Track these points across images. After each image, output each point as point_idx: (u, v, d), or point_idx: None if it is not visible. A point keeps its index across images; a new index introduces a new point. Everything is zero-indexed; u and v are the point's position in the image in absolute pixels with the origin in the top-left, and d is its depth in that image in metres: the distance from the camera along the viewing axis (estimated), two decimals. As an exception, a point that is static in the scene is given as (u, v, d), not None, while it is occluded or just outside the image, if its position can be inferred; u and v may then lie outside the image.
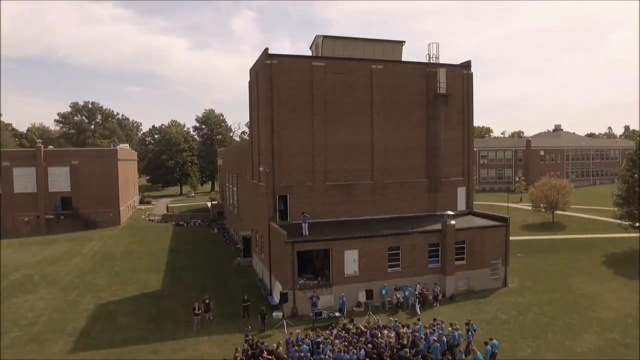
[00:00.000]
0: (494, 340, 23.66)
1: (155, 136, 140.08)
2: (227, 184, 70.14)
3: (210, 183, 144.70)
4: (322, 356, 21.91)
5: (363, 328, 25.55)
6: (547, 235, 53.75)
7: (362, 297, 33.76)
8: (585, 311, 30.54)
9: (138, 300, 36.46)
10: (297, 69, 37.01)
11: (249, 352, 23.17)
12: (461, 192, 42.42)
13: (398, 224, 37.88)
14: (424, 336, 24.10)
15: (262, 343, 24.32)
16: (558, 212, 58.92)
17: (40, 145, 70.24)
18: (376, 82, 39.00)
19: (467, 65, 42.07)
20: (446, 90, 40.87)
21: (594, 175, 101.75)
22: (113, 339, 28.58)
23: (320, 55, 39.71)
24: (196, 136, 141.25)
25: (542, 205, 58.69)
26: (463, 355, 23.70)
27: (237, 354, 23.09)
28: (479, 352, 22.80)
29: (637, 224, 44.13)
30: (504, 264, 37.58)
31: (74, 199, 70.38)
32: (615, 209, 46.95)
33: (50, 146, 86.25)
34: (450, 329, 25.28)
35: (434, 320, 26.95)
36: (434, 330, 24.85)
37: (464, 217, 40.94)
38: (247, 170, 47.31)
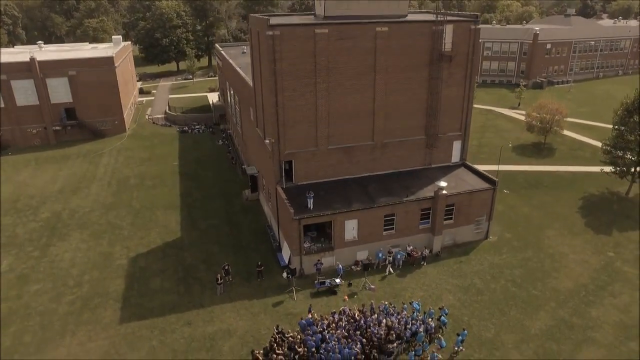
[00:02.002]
0: (465, 331, 29.31)
1: (147, 14, 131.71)
2: (228, 92, 70.23)
3: (207, 58, 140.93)
4: (329, 347, 27.65)
5: (358, 314, 30.89)
6: (535, 166, 56.95)
7: (359, 256, 38.96)
8: (548, 280, 35.91)
9: (163, 251, 41.55)
10: (299, 38, 35.91)
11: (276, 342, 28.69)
12: (457, 145, 44.51)
13: (395, 182, 41.21)
14: (408, 326, 29.59)
15: (283, 334, 29.72)
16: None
17: (35, 52, 68.16)
18: (380, 44, 38.04)
19: (474, 19, 40.23)
20: (452, 47, 39.93)
21: (599, 67, 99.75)
22: (152, 306, 34.30)
23: (323, 14, 37.88)
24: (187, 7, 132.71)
25: (537, 123, 60.43)
26: (429, 342, 29.41)
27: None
28: (442, 338, 28.74)
29: (618, 169, 47.03)
30: (488, 219, 41.93)
31: (77, 109, 71.33)
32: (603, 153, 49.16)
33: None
34: (430, 320, 30.55)
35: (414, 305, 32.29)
36: (417, 320, 30.17)
37: (456, 170, 43.92)
38: (250, 111, 48.32)
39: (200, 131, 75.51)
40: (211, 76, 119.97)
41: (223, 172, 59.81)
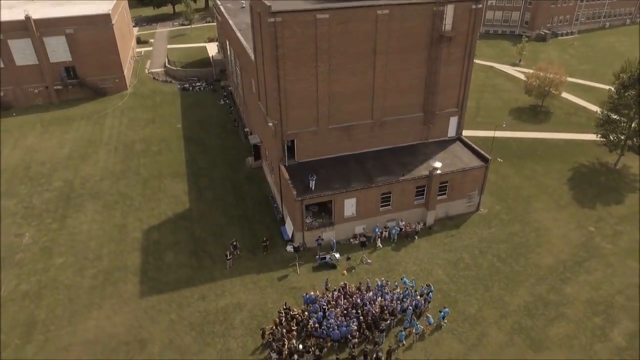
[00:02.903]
0: (446, 309, 32.78)
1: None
2: (227, 50, 69.75)
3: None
4: (329, 324, 31.19)
5: (356, 291, 34.19)
6: (530, 132, 58.23)
7: (357, 230, 41.83)
8: (530, 255, 38.98)
9: (174, 224, 44.34)
10: (301, 23, 36.17)
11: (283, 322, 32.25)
12: (453, 120, 45.82)
13: (393, 158, 43.18)
14: (400, 303, 32.97)
15: (289, 310, 33.15)
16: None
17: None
18: (381, 27, 38.29)
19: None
20: (452, 28, 40.11)
21: (605, 17, 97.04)
22: (168, 280, 37.64)
23: (324, -5, 37.73)
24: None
25: (535, 84, 60.93)
26: (417, 318, 32.92)
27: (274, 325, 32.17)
28: (430, 316, 32.28)
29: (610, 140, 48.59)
30: (479, 193, 44.33)
31: (77, 68, 71.24)
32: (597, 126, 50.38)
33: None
34: (419, 297, 33.89)
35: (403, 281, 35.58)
36: (407, 298, 33.50)
37: (452, 146, 45.65)
38: (252, 83, 49.02)
39: (202, 89, 75.74)
40: (209, 21, 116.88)
41: (226, 135, 61.29)
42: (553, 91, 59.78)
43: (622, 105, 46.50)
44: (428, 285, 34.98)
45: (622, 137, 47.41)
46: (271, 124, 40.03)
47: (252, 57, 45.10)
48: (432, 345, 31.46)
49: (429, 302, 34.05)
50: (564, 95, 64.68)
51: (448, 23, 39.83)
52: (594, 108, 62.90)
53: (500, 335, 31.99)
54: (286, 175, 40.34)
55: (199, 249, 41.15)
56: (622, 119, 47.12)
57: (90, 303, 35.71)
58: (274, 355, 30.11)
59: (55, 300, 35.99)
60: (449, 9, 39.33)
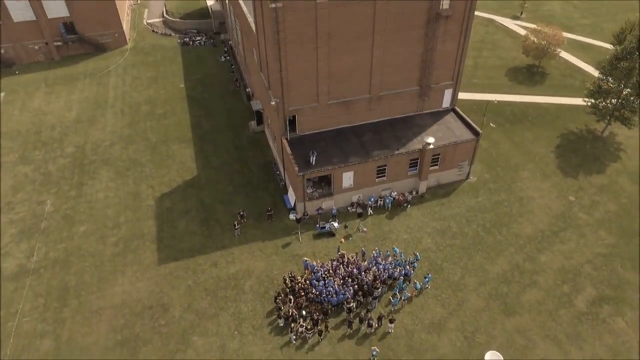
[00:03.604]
0: (430, 275, 37.00)
1: None
2: (227, 5, 69.03)
3: None
4: (329, 290, 35.50)
5: (352, 261, 38.17)
6: (524, 96, 59.46)
7: (355, 199, 45.20)
8: (512, 225, 42.59)
9: (184, 191, 47.51)
10: (301, 8, 36.97)
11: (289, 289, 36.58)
12: (448, 93, 47.45)
13: (389, 131, 45.59)
14: (392, 270, 37.08)
15: (294, 279, 37.31)
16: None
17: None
18: (379, 8, 39.01)
19: (475, -24, 40.19)
20: (449, 7, 40.70)
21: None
22: (182, 248, 41.57)
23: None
24: None
25: (532, 46, 61.53)
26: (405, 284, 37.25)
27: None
28: (417, 282, 36.57)
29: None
30: (470, 163, 47.14)
31: (75, 23, 70.81)
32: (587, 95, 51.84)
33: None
34: (408, 266, 37.94)
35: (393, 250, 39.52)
36: (397, 268, 37.55)
37: (446, 117, 47.72)
38: (253, 52, 49.99)
39: (202, 43, 75.58)
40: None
41: (228, 96, 62.73)
42: (551, 51, 60.33)
43: (614, 77, 47.90)
44: (415, 254, 38.98)
45: (610, 107, 49.28)
46: (274, 103, 41.96)
47: (253, 28, 45.84)
48: (418, 309, 35.98)
49: (415, 269, 38.20)
50: (562, 54, 65.17)
51: (445, 2, 40.41)
52: (590, 69, 63.84)
53: (478, 301, 36.44)
54: (288, 150, 42.94)
55: (209, 217, 44.72)
56: (612, 88, 48.63)
57: (114, 270, 39.91)
58: (280, 321, 34.70)
59: (83, 268, 40.16)
60: (448, -13, 39.80)
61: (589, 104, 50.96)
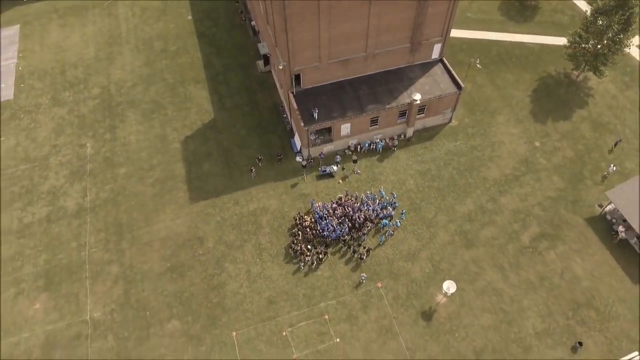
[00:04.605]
0: (404, 211, 46.49)
1: None
2: None
3: None
4: (329, 229, 45.32)
5: (346, 201, 47.25)
6: (511, 34, 62.77)
7: (351, 142, 52.87)
8: (482, 169, 50.73)
9: (204, 135, 54.85)
10: (305, -14, 40.74)
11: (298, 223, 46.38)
12: (437, 47, 52.04)
13: (382, 84, 51.57)
14: (377, 212, 46.48)
15: (302, 218, 46.75)
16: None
17: None
18: (376, -19, 42.47)
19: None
20: (442, -26, 43.87)
21: None
22: (209, 189, 50.42)
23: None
24: None
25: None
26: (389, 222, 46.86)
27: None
28: (398, 221, 46.23)
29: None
30: (452, 110, 53.69)
31: (76, -53, 70.67)
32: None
33: None
34: (389, 208, 47.11)
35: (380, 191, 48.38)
36: (384, 209, 46.83)
37: (434, 68, 53.00)
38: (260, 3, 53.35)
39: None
40: None
41: (234, 30, 66.13)
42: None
43: (592, 32, 51.87)
44: (392, 194, 47.99)
45: (585, 59, 53.99)
46: (282, 67, 47.37)
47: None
48: (398, 242, 46.19)
49: (395, 208, 47.53)
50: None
51: (439, -29, 43.53)
52: (582, 3, 66.10)
53: (446, 235, 46.44)
54: (295, 106, 49.50)
55: (229, 159, 52.84)
56: (590, 40, 52.85)
57: (155, 208, 49.36)
58: (292, 252, 45.14)
59: (130, 206, 49.56)
60: (441, -42, 42.65)
61: (567, 53, 55.52)
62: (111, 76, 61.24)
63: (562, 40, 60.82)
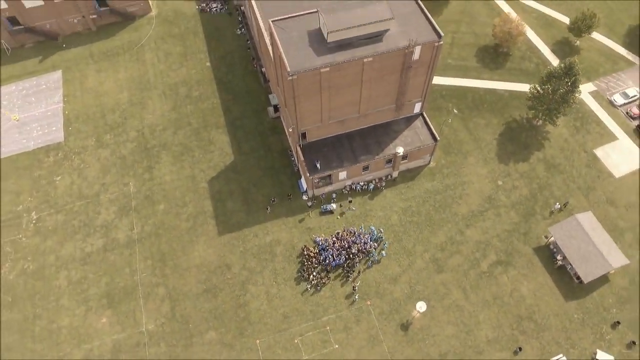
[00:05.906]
0: (386, 243, 58.56)
1: None
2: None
3: None
4: (329, 256, 57.61)
5: (346, 235, 59.38)
6: (485, 80, 73.56)
7: (347, 184, 64.71)
8: (453, 206, 62.60)
9: (226, 176, 66.51)
10: (310, 76, 51.84)
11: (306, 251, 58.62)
12: (418, 104, 63.29)
13: (372, 137, 63.10)
14: (368, 244, 58.69)
15: (309, 250, 58.96)
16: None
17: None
18: (367, 68, 53.59)
19: (439, 37, 53.24)
20: (419, 58, 54.75)
21: None
22: (232, 223, 62.45)
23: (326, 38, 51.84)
24: None
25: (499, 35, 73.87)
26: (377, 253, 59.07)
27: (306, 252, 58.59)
28: (383, 251, 58.49)
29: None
30: (430, 155, 65.26)
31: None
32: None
33: None
34: (377, 241, 59.27)
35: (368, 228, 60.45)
36: (373, 242, 59.03)
37: (415, 122, 64.39)
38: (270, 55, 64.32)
39: (218, 11, 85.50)
40: None
41: (248, 77, 76.72)
42: (514, 37, 72.77)
43: (546, 90, 63.02)
44: (380, 230, 60.10)
45: (541, 109, 65.25)
46: (291, 129, 58.86)
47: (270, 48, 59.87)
48: (383, 268, 58.57)
49: (382, 241, 59.72)
50: (528, 32, 76.97)
51: (416, 55, 54.45)
52: (547, 51, 76.67)
53: (422, 263, 58.75)
54: (302, 158, 61.19)
55: (247, 197, 64.73)
56: (544, 96, 64.05)
57: (190, 240, 61.52)
58: (301, 277, 57.59)
59: (170, 238, 61.71)
60: (417, 49, 53.55)
61: (527, 105, 66.76)
62: (144, 120, 72.51)
63: (527, 87, 71.98)
